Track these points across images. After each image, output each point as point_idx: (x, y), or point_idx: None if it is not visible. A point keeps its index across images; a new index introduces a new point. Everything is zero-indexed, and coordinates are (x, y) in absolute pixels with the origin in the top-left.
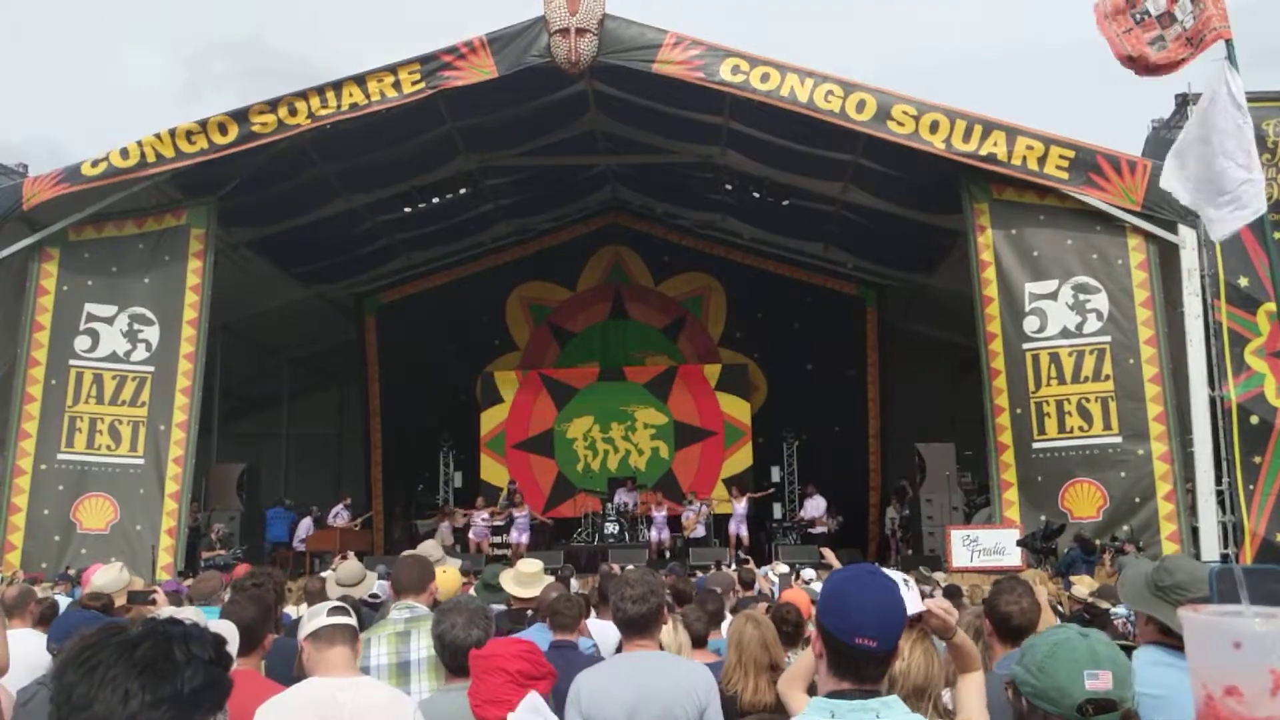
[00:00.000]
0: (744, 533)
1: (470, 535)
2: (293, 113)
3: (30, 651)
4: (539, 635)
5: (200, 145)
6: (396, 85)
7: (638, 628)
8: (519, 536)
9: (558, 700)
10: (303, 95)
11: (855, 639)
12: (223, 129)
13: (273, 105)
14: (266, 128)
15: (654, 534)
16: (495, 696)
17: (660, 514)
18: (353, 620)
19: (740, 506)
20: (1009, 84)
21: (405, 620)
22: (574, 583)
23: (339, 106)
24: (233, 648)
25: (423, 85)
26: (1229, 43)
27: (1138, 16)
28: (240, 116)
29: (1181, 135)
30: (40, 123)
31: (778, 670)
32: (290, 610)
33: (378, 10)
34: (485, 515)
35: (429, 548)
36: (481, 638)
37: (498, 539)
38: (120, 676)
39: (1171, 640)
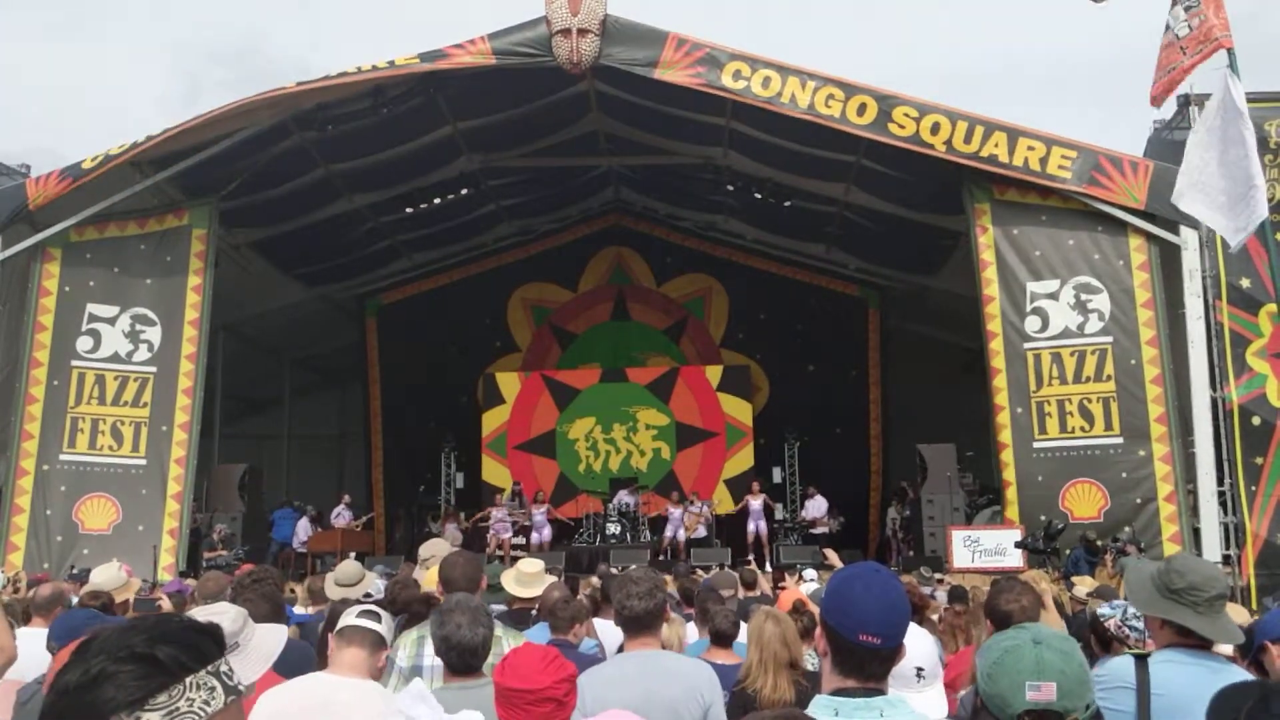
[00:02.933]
0: (763, 529)
1: (490, 534)
2: (281, 88)
3: (40, 651)
4: (541, 634)
5: (185, 120)
6: (390, 63)
7: (643, 624)
8: (539, 536)
9: None
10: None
11: (860, 636)
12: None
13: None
14: (251, 96)
15: (669, 532)
16: None
17: (677, 512)
18: (379, 626)
19: (756, 503)
20: (1011, 85)
21: None
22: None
23: (326, 75)
24: (274, 651)
25: (417, 61)
26: (1230, 51)
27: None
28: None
29: (1189, 151)
30: (40, 131)
31: (797, 668)
32: (295, 611)
33: (376, 17)
34: (504, 512)
35: (436, 545)
36: (487, 636)
37: (519, 539)
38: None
39: (1189, 641)
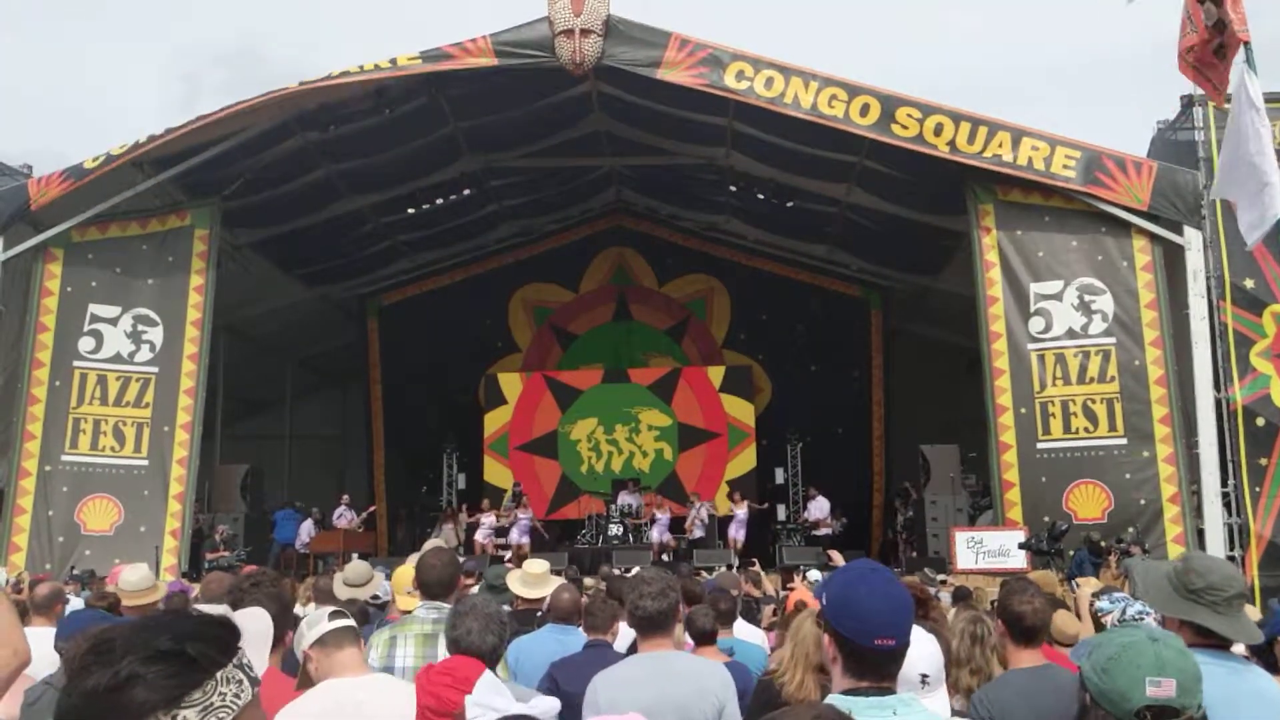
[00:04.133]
0: (741, 536)
1: (476, 537)
2: (284, 88)
3: (47, 652)
4: (550, 636)
5: (187, 120)
6: (392, 62)
7: (656, 625)
8: (519, 538)
9: (578, 700)
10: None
11: (875, 640)
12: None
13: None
14: (252, 96)
15: (655, 535)
16: None
17: (664, 516)
18: (353, 621)
19: (741, 512)
20: (1014, 87)
21: (433, 621)
22: (589, 581)
23: (329, 74)
24: (267, 632)
25: (419, 61)
26: (1247, 46)
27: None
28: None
29: (1224, 149)
30: (42, 133)
31: (825, 673)
32: (298, 610)
33: (376, 19)
34: (492, 518)
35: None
36: (496, 644)
37: (501, 540)
38: (70, 678)
39: (1209, 641)
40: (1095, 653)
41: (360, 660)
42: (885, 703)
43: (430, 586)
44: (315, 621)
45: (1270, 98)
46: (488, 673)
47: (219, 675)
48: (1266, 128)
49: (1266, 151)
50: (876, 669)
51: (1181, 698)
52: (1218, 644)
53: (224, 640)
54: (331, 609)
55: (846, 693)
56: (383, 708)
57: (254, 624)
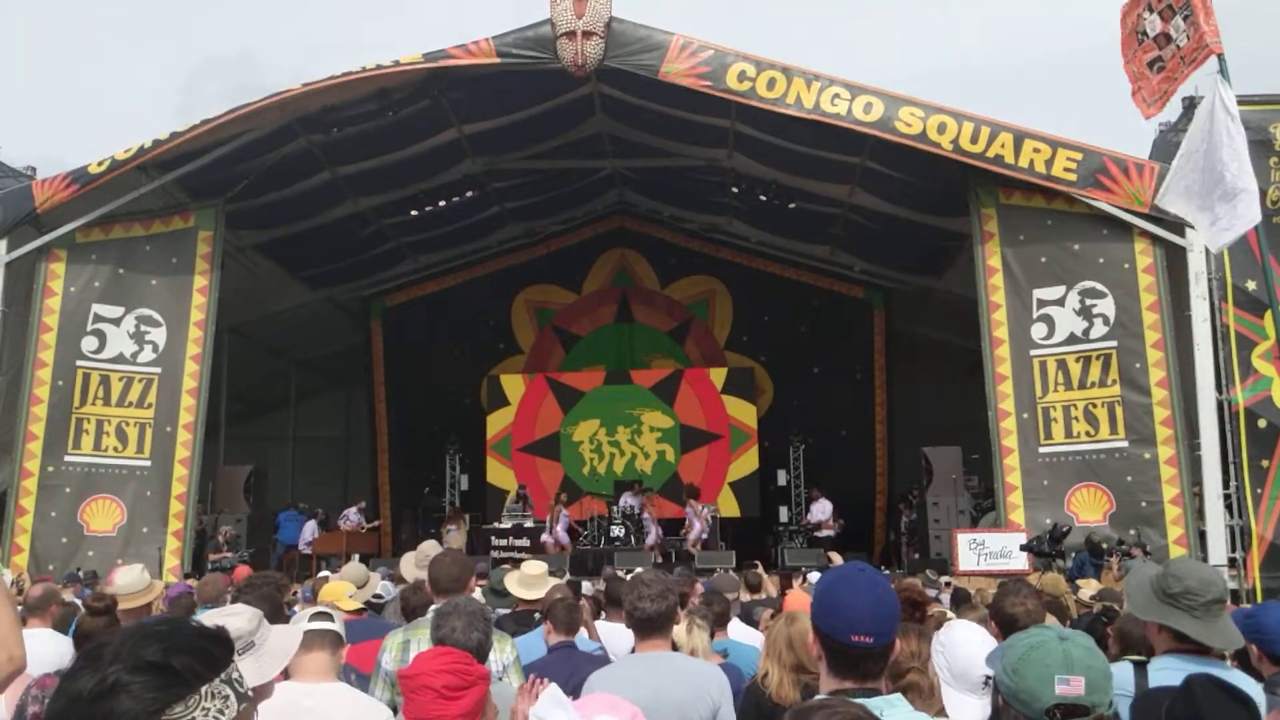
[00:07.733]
0: (693, 536)
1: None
2: (287, 90)
3: (49, 653)
4: (542, 636)
5: (192, 125)
6: (395, 63)
7: (654, 626)
8: (550, 537)
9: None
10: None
11: (851, 637)
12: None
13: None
14: (257, 99)
15: (650, 539)
16: (425, 714)
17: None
18: (335, 626)
19: (703, 514)
20: (1015, 87)
21: None
22: (586, 585)
23: (331, 75)
24: (290, 649)
25: (421, 62)
26: (1221, 57)
27: (1139, 38)
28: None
29: (1180, 152)
30: (43, 136)
31: (800, 672)
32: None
33: (377, 25)
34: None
35: (429, 548)
36: (482, 640)
37: (522, 541)
38: (60, 681)
39: (1187, 646)
40: (1006, 654)
41: (325, 665)
42: (872, 703)
43: (439, 584)
44: (298, 620)
45: (1270, 99)
46: (554, 686)
47: (204, 690)
48: (1241, 134)
49: (1243, 158)
50: (857, 668)
51: (1091, 695)
52: (1196, 649)
53: (213, 655)
54: (317, 609)
55: (833, 694)
56: (332, 715)
57: (285, 638)
